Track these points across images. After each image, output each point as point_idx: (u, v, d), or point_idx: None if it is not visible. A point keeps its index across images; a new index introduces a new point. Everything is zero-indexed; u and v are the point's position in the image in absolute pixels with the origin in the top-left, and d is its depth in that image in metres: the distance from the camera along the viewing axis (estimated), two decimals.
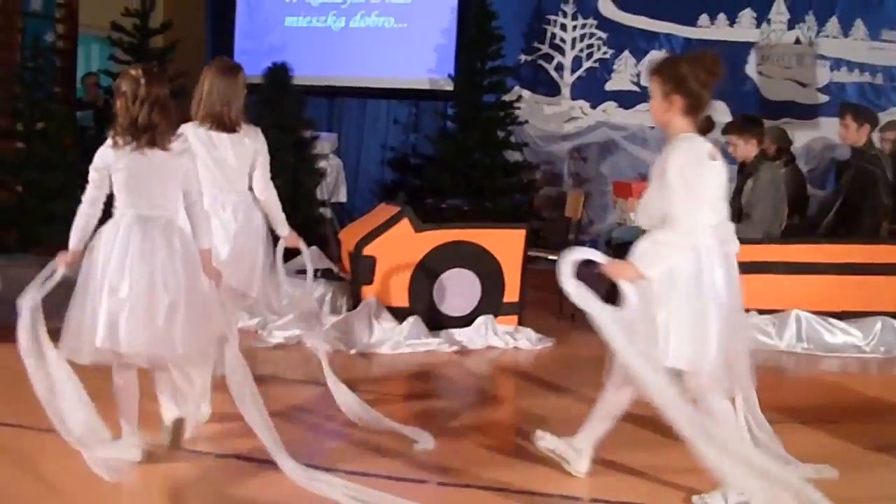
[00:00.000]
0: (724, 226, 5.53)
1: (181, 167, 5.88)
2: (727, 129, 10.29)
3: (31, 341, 5.71)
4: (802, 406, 7.86)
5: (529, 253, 9.75)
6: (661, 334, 5.41)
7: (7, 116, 12.32)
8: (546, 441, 6.08)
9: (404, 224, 9.41)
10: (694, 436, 5.17)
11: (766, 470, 5.12)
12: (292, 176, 11.90)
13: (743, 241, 9.11)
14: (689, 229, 5.31)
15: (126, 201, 5.81)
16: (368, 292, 9.27)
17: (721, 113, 13.15)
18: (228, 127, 7.01)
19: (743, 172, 10.17)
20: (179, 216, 5.98)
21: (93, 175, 5.86)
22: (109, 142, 5.80)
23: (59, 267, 5.84)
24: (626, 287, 5.54)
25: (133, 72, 5.78)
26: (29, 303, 5.74)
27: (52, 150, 11.65)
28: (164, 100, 5.77)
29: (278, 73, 12.48)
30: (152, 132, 5.72)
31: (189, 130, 6.75)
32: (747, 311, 9.21)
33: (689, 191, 5.26)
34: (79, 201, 5.88)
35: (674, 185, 5.28)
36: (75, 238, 5.85)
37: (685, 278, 5.38)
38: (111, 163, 5.78)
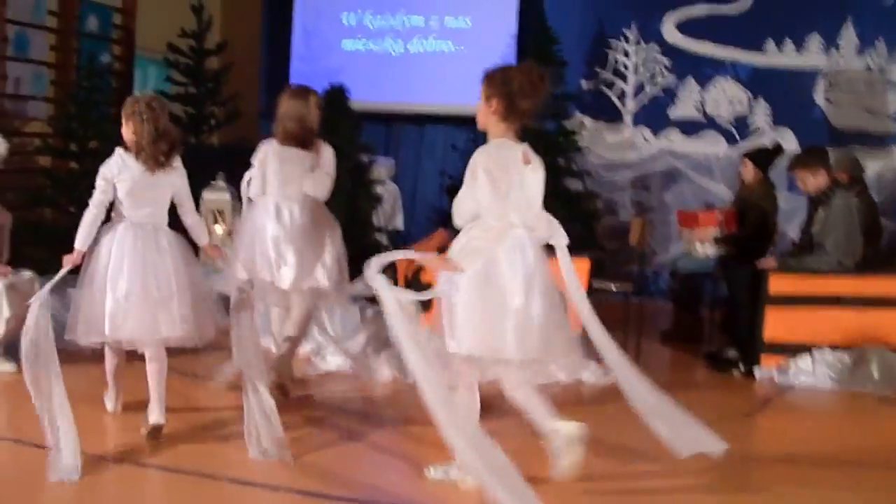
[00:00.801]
0: (540, 222, 6.13)
1: (175, 184, 7.03)
2: (793, 165, 9.97)
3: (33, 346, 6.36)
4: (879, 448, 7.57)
5: (593, 284, 9.40)
6: (453, 321, 5.97)
7: (61, 136, 12.31)
8: (434, 473, 6.28)
9: None
10: (448, 427, 5.55)
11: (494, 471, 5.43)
12: (348, 200, 11.60)
13: (815, 273, 8.88)
14: (492, 235, 5.87)
15: (125, 209, 6.89)
16: (427, 320, 8.93)
17: (788, 141, 12.87)
18: (302, 143, 7.94)
19: (814, 201, 9.81)
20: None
21: (100, 183, 6.88)
22: (116, 155, 6.91)
23: (65, 265, 6.84)
24: (442, 278, 6.06)
25: (154, 102, 6.96)
26: (38, 300, 6.50)
27: None
28: (171, 127, 6.99)
29: (335, 95, 12.21)
30: (165, 155, 6.85)
31: (266, 147, 7.94)
32: (818, 347, 8.98)
33: (495, 191, 5.84)
34: None
35: (482, 186, 5.87)
36: (81, 238, 6.90)
37: (480, 271, 5.88)
38: (116, 174, 6.83)
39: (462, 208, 6.09)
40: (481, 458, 5.46)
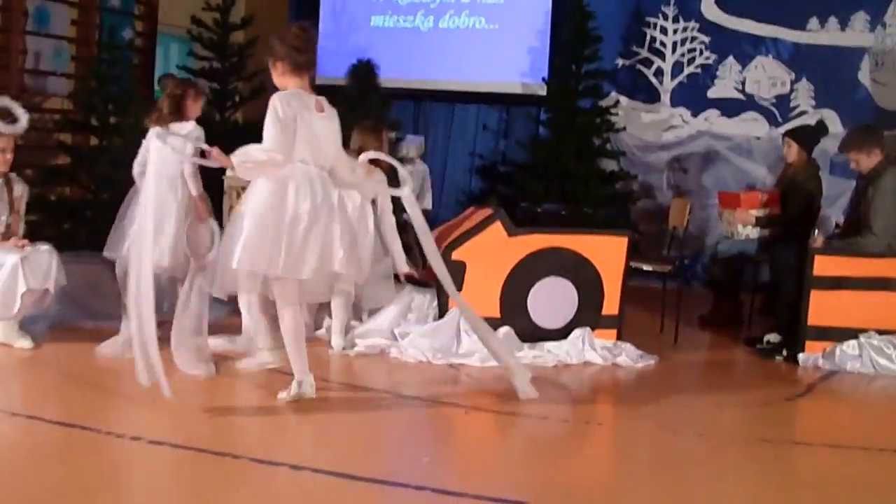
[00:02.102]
0: (340, 168, 7.05)
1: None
2: (845, 147, 9.64)
3: None
4: None
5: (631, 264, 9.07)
6: (235, 240, 6.64)
7: (82, 111, 12.12)
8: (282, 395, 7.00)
9: (497, 228, 8.78)
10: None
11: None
12: None
13: (863, 255, 8.55)
14: (278, 156, 6.54)
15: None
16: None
17: (832, 122, 12.49)
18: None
19: (863, 179, 9.44)
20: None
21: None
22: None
23: None
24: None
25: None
26: None
27: (127, 145, 11.29)
28: None
29: (362, 70, 11.95)
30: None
31: None
32: (864, 331, 8.67)
33: (279, 128, 6.54)
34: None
35: (267, 122, 6.58)
36: None
37: (262, 199, 6.65)
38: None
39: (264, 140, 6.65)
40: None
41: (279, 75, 6.87)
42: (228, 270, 6.75)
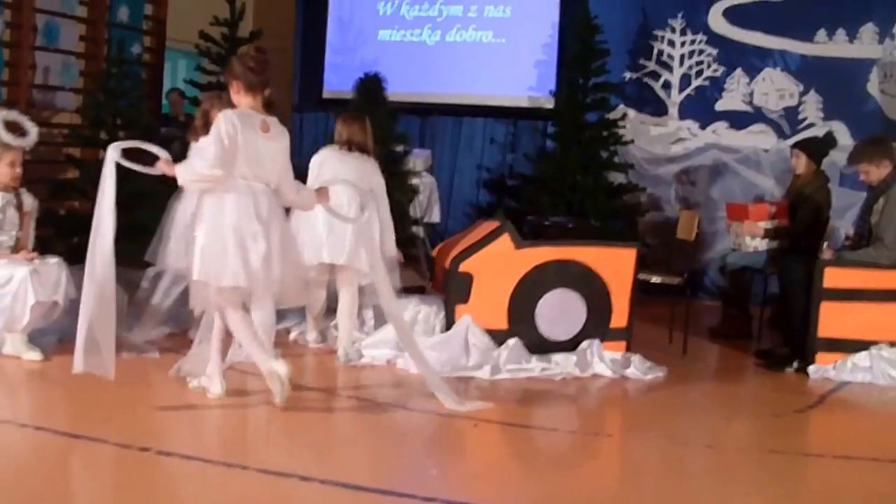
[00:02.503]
0: (284, 184, 7.22)
1: None
2: (854, 159, 9.62)
3: None
4: None
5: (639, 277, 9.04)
6: (191, 252, 7.02)
7: (91, 125, 12.13)
8: (193, 383, 7.44)
9: (504, 240, 8.75)
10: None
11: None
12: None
13: (873, 266, 8.53)
14: (217, 172, 6.82)
15: None
16: (464, 312, 8.62)
17: (841, 133, 12.45)
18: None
19: (873, 191, 9.40)
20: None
21: None
22: None
23: None
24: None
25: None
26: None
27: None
28: None
29: (369, 83, 11.90)
30: None
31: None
32: (875, 343, 8.64)
33: (220, 146, 6.79)
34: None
35: (210, 138, 6.92)
36: None
37: (212, 212, 6.95)
38: None
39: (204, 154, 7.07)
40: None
41: (234, 93, 7.14)
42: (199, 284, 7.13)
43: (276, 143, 7.11)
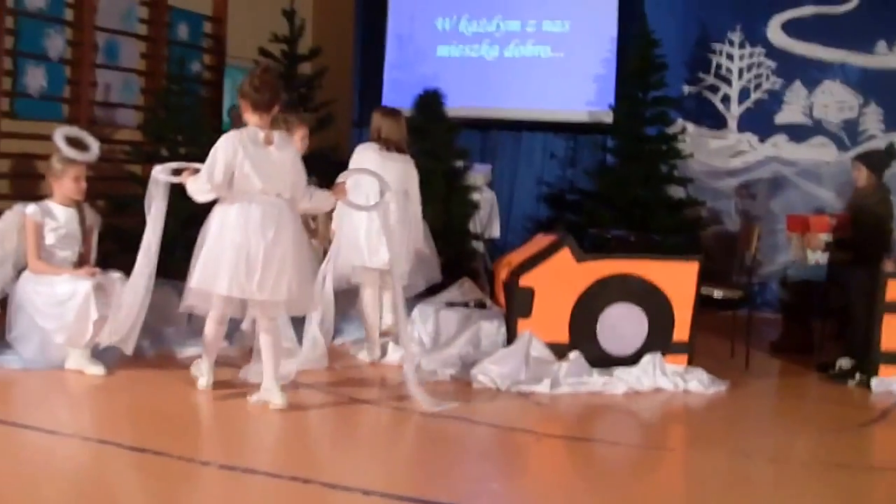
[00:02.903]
0: (296, 191, 7.53)
1: None
2: None
3: None
4: None
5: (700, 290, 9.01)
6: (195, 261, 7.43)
7: (152, 141, 12.24)
8: (253, 398, 7.55)
9: (565, 254, 8.75)
10: None
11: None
12: (443, 206, 11.29)
13: None
14: (207, 186, 7.31)
15: None
16: (525, 326, 8.62)
17: None
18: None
19: None
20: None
21: None
22: None
23: None
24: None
25: None
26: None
27: None
28: None
29: (429, 99, 11.91)
30: None
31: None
32: None
33: (216, 165, 7.25)
34: None
35: (216, 160, 7.27)
36: None
37: (216, 222, 7.40)
38: None
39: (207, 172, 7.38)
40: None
41: (243, 111, 7.50)
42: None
43: (281, 153, 7.44)
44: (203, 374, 7.88)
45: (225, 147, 7.29)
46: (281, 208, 7.39)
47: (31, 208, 8.38)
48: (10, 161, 11.40)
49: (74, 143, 8.70)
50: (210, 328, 7.78)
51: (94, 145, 8.85)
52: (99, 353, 8.28)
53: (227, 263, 7.27)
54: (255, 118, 7.42)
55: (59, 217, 8.45)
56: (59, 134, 8.75)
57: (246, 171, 7.26)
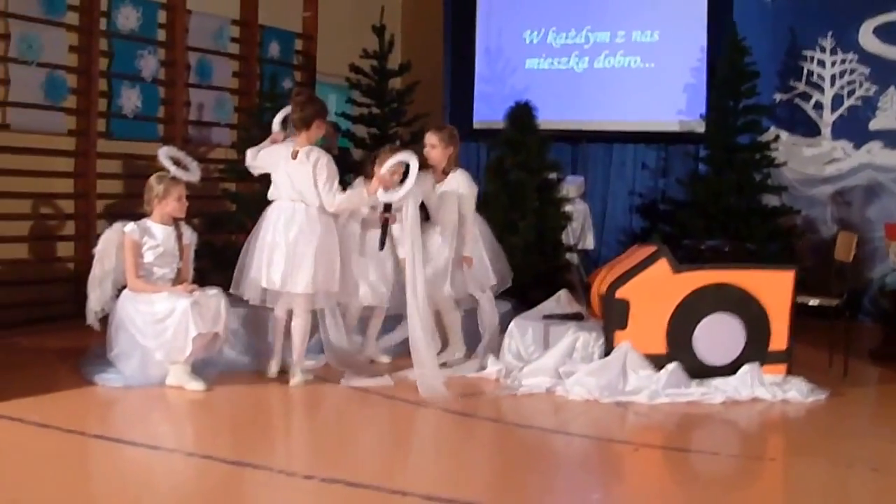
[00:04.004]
0: (320, 198, 8.57)
1: None
2: None
3: None
4: None
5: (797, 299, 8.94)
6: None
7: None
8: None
9: (661, 265, 8.73)
10: None
11: None
12: (537, 219, 11.29)
13: None
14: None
15: None
16: (622, 337, 8.61)
17: None
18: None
19: None
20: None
21: None
22: None
23: None
24: None
25: None
26: None
27: None
28: None
29: (520, 112, 11.90)
30: None
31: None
32: None
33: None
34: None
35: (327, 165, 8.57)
36: None
37: (257, 227, 8.81)
38: None
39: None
40: None
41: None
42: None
43: (302, 166, 8.58)
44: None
45: (255, 163, 9.11)
46: (305, 212, 8.59)
47: (129, 227, 8.50)
48: (107, 181, 11.61)
49: (176, 162, 8.83)
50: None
51: (193, 165, 9.01)
52: (198, 369, 8.40)
53: (258, 262, 8.58)
54: (297, 134, 8.79)
55: (157, 235, 8.56)
56: (164, 154, 8.90)
57: (275, 180, 8.78)
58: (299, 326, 8.65)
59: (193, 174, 8.95)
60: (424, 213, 9.40)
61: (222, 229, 11.91)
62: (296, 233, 8.47)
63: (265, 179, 11.34)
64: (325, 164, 8.59)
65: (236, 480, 6.17)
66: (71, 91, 11.35)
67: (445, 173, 9.46)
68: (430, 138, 9.50)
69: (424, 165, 9.08)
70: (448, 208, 9.39)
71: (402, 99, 13.75)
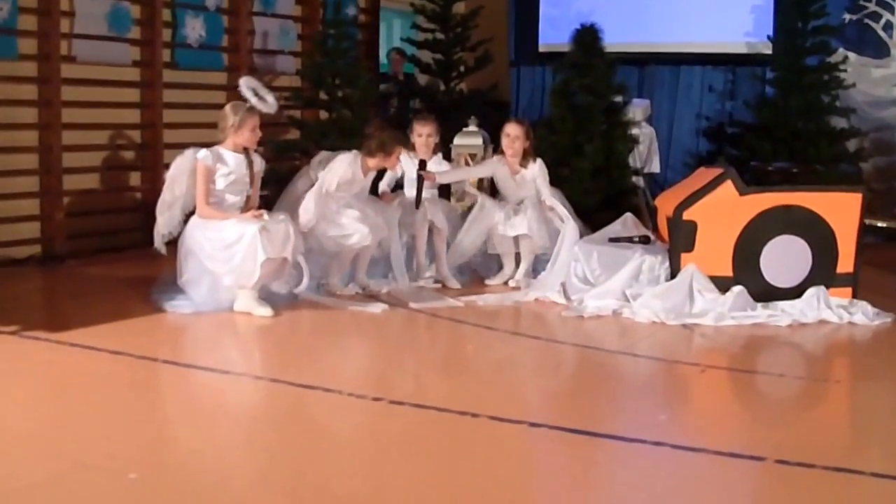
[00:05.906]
0: None
1: None
2: None
3: None
4: None
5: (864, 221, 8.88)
6: None
7: (311, 87, 12.45)
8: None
9: (727, 187, 8.68)
10: None
11: None
12: (604, 142, 11.28)
13: None
14: None
15: None
16: (688, 260, 8.60)
17: None
18: None
19: None
20: None
21: None
22: None
23: None
24: None
25: None
26: None
27: (356, 117, 11.63)
28: None
29: (586, 35, 11.86)
30: None
31: None
32: None
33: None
34: None
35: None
36: None
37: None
38: None
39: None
40: None
41: None
42: None
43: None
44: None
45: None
46: None
47: (202, 153, 8.52)
48: (174, 111, 11.70)
49: (253, 93, 8.83)
50: None
51: (271, 96, 8.91)
52: (266, 295, 8.46)
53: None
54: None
55: (229, 163, 8.58)
56: (245, 84, 8.82)
57: None
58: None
59: (271, 106, 8.85)
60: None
61: (288, 156, 11.98)
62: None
63: (333, 105, 11.47)
64: None
65: (306, 402, 6.24)
66: (135, 22, 11.38)
67: (524, 164, 9.75)
68: (514, 129, 9.74)
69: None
70: (528, 190, 9.82)
71: (467, 24, 13.75)
